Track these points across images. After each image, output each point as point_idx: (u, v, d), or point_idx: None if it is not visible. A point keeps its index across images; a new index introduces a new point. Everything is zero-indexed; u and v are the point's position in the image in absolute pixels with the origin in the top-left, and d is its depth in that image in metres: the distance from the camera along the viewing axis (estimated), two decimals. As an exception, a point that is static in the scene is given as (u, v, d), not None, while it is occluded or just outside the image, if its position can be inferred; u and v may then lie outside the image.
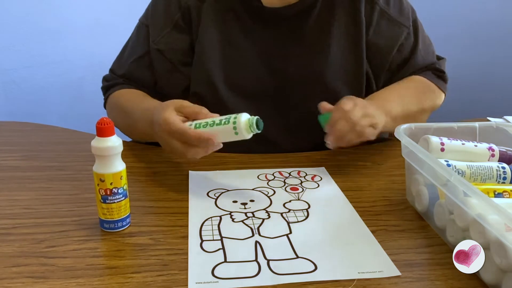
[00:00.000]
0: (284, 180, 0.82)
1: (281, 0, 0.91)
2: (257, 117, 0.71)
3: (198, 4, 0.93)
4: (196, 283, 0.55)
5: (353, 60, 0.97)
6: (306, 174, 0.85)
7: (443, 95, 1.06)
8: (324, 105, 0.84)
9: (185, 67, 0.96)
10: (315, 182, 0.82)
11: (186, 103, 0.76)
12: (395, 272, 0.58)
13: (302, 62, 0.95)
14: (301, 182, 0.82)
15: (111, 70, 1.04)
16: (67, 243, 0.62)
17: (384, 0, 0.97)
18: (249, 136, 0.72)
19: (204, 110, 0.75)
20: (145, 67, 0.98)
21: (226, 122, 0.71)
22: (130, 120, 0.92)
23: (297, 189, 0.79)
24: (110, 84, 1.02)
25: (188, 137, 0.72)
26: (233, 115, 0.71)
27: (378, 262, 0.59)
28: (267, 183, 0.81)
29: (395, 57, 1.01)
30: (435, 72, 1.06)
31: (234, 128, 0.70)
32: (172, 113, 0.74)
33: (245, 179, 0.82)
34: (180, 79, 0.97)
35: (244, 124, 0.70)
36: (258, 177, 0.83)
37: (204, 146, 0.73)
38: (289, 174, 0.85)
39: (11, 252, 0.60)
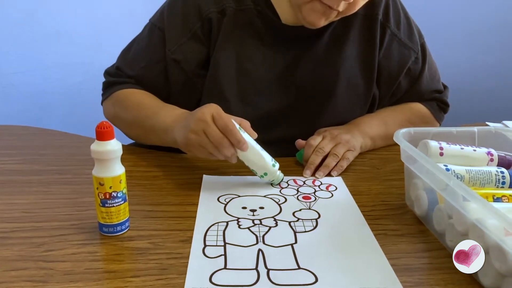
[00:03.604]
0: (298, 188, 0.82)
1: (299, 19, 0.89)
2: (283, 176, 0.82)
3: (219, 17, 0.92)
4: None
5: (364, 80, 0.99)
6: (321, 183, 0.84)
7: (437, 125, 1.10)
8: (299, 142, 0.92)
9: (200, 79, 0.96)
10: (329, 191, 0.81)
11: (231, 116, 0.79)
12: None
13: (313, 79, 0.96)
14: (315, 191, 0.81)
15: (117, 67, 1.01)
16: (66, 247, 0.62)
17: (395, 24, 0.98)
18: (264, 181, 0.82)
19: (247, 125, 0.80)
20: (159, 73, 0.96)
21: (270, 160, 0.79)
22: (142, 114, 0.91)
23: (310, 198, 0.78)
24: (117, 81, 0.99)
25: (231, 128, 0.74)
26: (274, 160, 0.80)
27: (383, 278, 0.57)
28: (280, 191, 0.80)
29: (402, 80, 1.03)
30: (440, 104, 1.10)
31: (270, 169, 0.80)
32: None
33: (258, 186, 0.81)
34: (194, 91, 0.96)
35: (277, 177, 0.81)
36: (271, 184, 0.83)
37: (238, 147, 0.76)
38: (304, 182, 0.84)
39: (10, 256, 0.60)
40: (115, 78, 1.00)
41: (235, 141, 0.75)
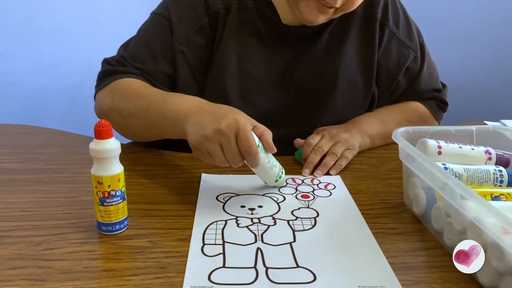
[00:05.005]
0: (296, 187, 0.82)
1: (298, 19, 0.89)
2: (287, 177, 0.83)
3: (224, 13, 0.91)
4: (191, 286, 0.55)
5: (363, 79, 0.99)
6: (320, 182, 0.84)
7: (436, 124, 1.10)
8: (298, 141, 0.92)
9: (200, 76, 0.94)
10: (327, 190, 0.81)
11: (255, 122, 0.74)
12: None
13: (313, 78, 0.96)
14: (314, 190, 0.81)
15: (121, 55, 0.94)
16: (65, 245, 0.62)
17: (394, 23, 0.98)
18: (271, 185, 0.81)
19: (269, 137, 0.73)
20: (168, 63, 0.92)
21: (274, 177, 0.78)
22: (146, 102, 0.82)
23: (308, 197, 0.78)
24: (119, 69, 0.92)
25: (254, 154, 0.69)
26: (282, 171, 0.79)
27: (382, 277, 0.57)
28: (279, 189, 0.80)
29: (401, 79, 1.03)
30: (439, 103, 1.10)
31: (272, 184, 0.80)
32: (248, 121, 0.71)
33: (257, 185, 0.81)
34: (193, 88, 0.95)
35: (279, 183, 0.80)
36: None
37: (248, 163, 0.71)
38: (302, 181, 0.84)
39: (8, 255, 0.60)
40: (117, 67, 0.92)
41: (251, 164, 0.71)
